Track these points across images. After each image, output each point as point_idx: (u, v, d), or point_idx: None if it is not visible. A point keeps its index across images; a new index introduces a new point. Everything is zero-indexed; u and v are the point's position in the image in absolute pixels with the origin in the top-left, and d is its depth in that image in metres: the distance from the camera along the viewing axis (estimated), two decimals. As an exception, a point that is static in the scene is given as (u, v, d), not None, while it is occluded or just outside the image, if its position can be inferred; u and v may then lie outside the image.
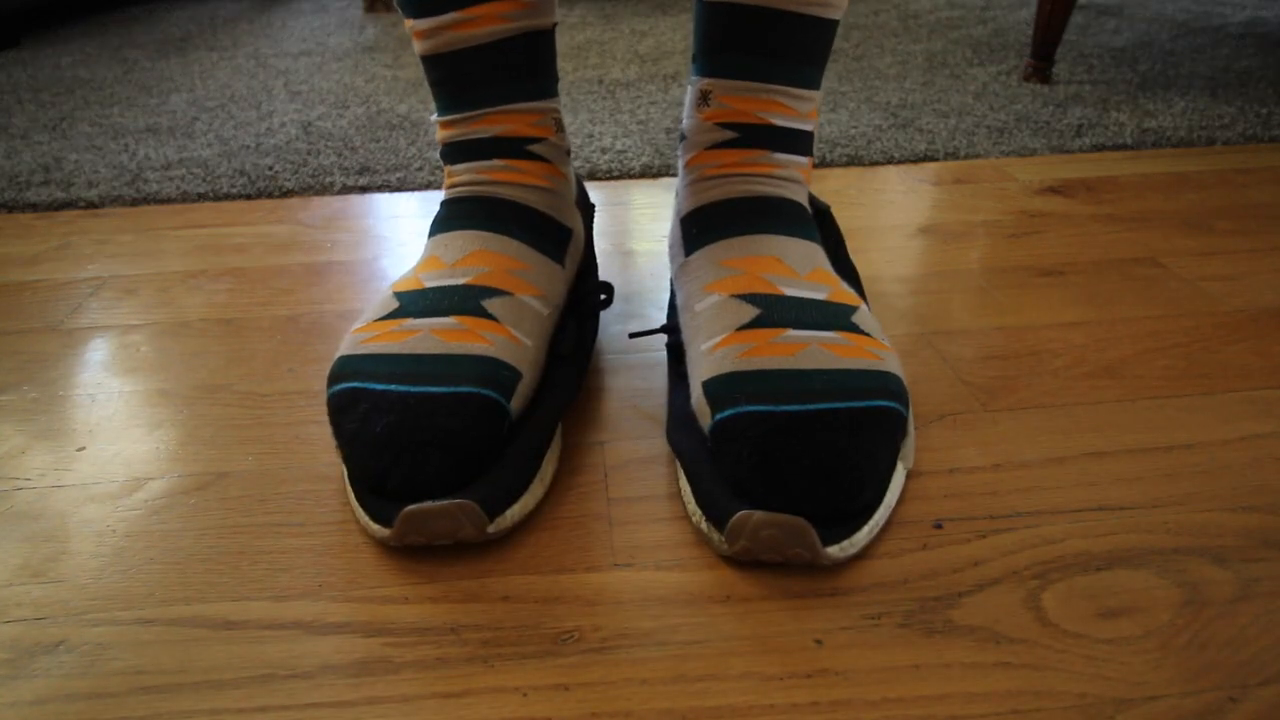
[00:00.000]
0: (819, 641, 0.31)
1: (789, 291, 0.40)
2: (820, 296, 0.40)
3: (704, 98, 0.44)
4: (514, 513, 0.35)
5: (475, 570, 0.35)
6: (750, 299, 0.39)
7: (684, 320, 0.42)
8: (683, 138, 0.46)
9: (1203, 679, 0.29)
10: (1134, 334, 0.50)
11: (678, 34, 1.31)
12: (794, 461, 0.33)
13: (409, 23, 0.45)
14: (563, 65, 1.15)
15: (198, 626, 0.32)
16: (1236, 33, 1.23)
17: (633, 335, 0.46)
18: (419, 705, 0.29)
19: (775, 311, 0.39)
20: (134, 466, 0.41)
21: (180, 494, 0.39)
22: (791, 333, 0.38)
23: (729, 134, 0.43)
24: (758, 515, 0.32)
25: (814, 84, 0.44)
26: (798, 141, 0.44)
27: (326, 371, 0.48)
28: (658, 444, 0.42)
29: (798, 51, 0.43)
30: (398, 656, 0.31)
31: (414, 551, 0.35)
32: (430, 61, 0.45)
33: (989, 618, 0.32)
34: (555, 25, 0.45)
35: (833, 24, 0.43)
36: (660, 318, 0.54)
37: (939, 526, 0.36)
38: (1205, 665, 0.30)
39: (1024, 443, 0.41)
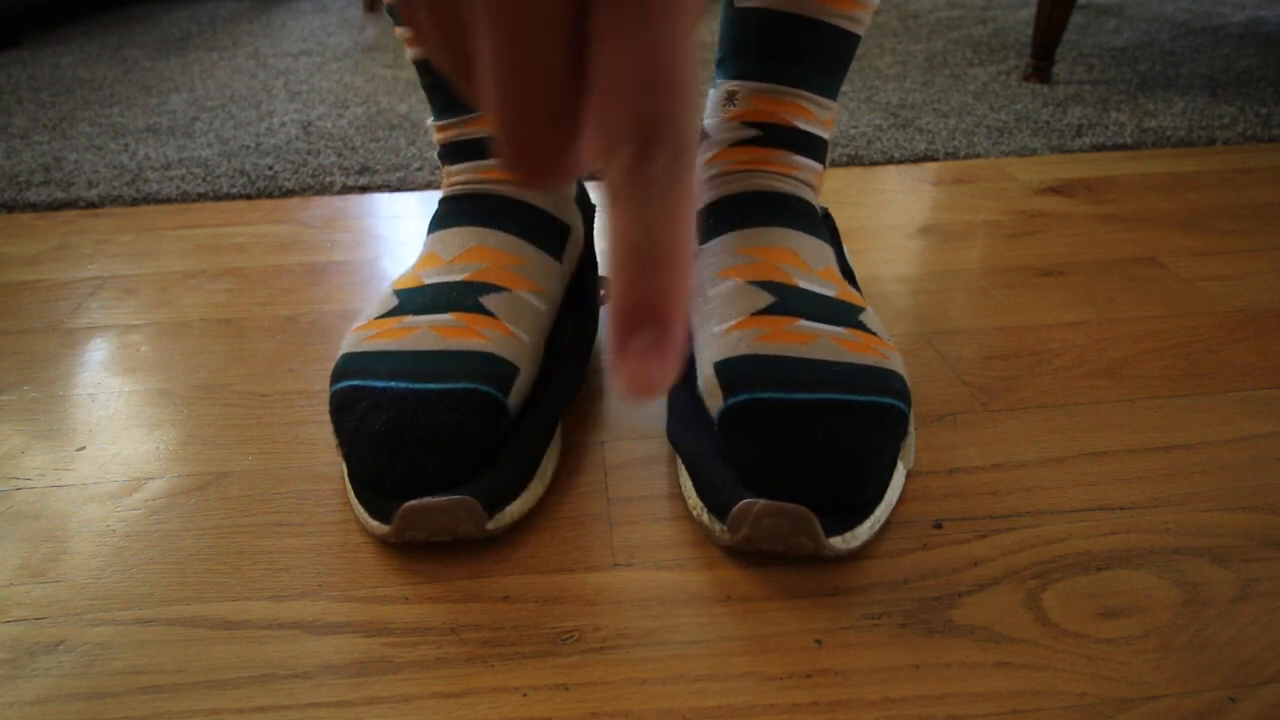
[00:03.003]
0: (819, 641, 0.31)
1: (803, 284, 0.40)
2: (830, 294, 0.40)
3: (730, 98, 0.45)
4: (513, 510, 0.35)
5: (475, 570, 0.35)
6: (766, 286, 0.40)
7: (694, 305, 0.42)
8: (704, 136, 0.46)
9: (1203, 679, 0.29)
10: (1134, 334, 0.50)
11: (678, 34, 1.31)
12: (803, 450, 0.33)
13: (399, 30, 0.45)
14: (563, 65, 1.15)
15: (198, 626, 0.32)
16: (1236, 33, 1.23)
17: None
18: (419, 705, 0.29)
19: (789, 301, 0.39)
20: (134, 466, 0.41)
21: (180, 494, 0.39)
22: (804, 323, 0.38)
23: (753, 132, 0.44)
24: (761, 504, 0.32)
25: (833, 94, 0.46)
26: (816, 147, 0.45)
27: (326, 371, 0.48)
28: (658, 444, 0.42)
29: (823, 61, 0.44)
30: (398, 656, 0.31)
31: (414, 551, 0.35)
32: (424, 66, 0.45)
33: (989, 618, 0.32)
34: None
35: (856, 38, 0.45)
36: (660, 318, 0.54)
37: (939, 526, 0.36)
38: (1205, 665, 0.30)
39: (1024, 443, 0.41)
